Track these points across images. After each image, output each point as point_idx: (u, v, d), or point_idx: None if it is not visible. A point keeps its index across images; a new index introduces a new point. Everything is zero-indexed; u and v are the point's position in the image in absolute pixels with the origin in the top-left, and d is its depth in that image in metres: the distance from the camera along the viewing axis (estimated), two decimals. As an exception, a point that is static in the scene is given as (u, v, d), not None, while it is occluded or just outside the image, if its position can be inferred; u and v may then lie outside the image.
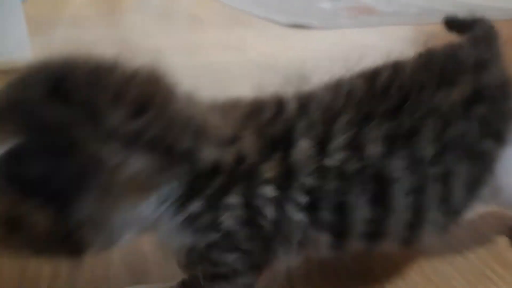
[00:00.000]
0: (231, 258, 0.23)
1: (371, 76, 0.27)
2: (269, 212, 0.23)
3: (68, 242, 0.21)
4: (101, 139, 0.20)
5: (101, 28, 1.10)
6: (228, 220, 0.22)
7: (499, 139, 0.28)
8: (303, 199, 0.23)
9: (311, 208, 0.24)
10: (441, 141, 0.25)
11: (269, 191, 0.23)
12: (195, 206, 0.22)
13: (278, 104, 0.26)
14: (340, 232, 0.25)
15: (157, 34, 1.06)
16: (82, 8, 1.34)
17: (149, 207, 0.22)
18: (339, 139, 0.24)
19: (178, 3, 1.53)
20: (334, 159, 0.24)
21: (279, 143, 0.24)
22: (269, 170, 0.23)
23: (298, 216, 0.23)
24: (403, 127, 0.25)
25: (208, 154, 0.22)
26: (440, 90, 0.26)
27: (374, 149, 0.24)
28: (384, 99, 0.26)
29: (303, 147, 0.24)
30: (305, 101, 0.26)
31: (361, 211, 0.24)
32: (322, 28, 1.03)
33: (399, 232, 0.26)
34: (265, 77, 0.70)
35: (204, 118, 0.23)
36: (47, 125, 0.20)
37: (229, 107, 0.26)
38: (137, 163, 0.21)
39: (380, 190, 0.24)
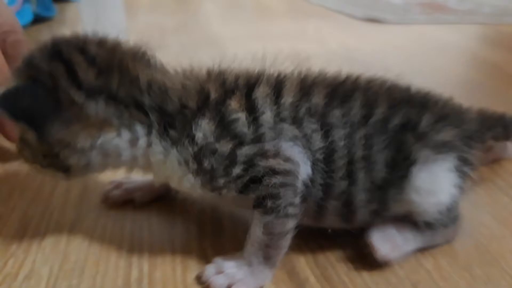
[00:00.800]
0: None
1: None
2: (241, 124, 0.29)
3: (54, 158, 0.29)
4: (74, 87, 0.28)
5: (178, 15, 1.14)
6: (201, 134, 0.29)
7: (419, 140, 0.30)
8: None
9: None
10: (368, 112, 0.30)
11: (234, 113, 0.29)
12: (173, 133, 0.29)
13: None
14: None
15: (232, 23, 1.08)
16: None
17: (116, 140, 0.29)
18: (292, 87, 0.31)
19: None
20: (288, 99, 0.30)
21: (240, 88, 0.30)
22: (233, 102, 0.29)
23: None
24: (343, 89, 0.31)
25: (173, 100, 0.29)
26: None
27: (318, 99, 0.30)
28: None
29: (262, 89, 0.30)
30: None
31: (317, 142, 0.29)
32: (396, 23, 1.01)
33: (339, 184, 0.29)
34: (349, 68, 0.71)
35: (170, 79, 0.30)
36: (41, 74, 0.28)
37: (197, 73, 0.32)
38: (96, 107, 0.28)
39: (323, 128, 0.29)
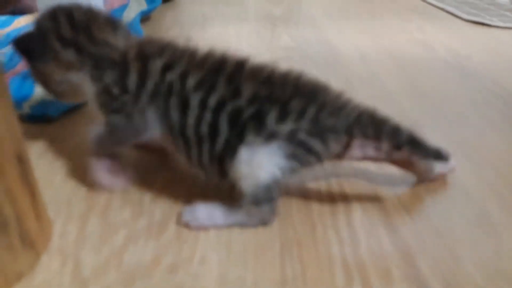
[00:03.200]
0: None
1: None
2: (130, 82, 0.38)
3: (47, 86, 0.42)
4: (56, 39, 0.39)
5: (283, 3, 1.15)
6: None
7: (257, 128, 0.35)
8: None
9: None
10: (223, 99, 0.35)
11: (131, 73, 0.38)
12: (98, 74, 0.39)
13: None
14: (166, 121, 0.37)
15: (334, 15, 1.07)
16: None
17: (76, 76, 0.40)
18: (177, 70, 0.37)
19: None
20: (171, 77, 0.36)
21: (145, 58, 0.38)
22: (135, 66, 0.38)
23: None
24: (207, 78, 0.36)
25: (110, 53, 0.39)
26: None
27: (190, 82, 0.36)
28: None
29: (157, 63, 0.37)
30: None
31: (174, 113, 0.36)
32: (504, 28, 0.95)
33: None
34: (461, 80, 0.70)
35: (118, 42, 0.40)
36: (40, 27, 0.40)
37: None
38: (66, 55, 0.39)
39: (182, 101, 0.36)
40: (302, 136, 0.35)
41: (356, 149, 0.39)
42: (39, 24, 0.40)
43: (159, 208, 0.38)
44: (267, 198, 0.35)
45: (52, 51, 0.39)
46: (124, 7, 0.90)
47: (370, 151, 0.39)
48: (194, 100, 0.36)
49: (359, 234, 0.36)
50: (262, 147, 0.35)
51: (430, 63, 0.75)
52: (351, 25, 0.96)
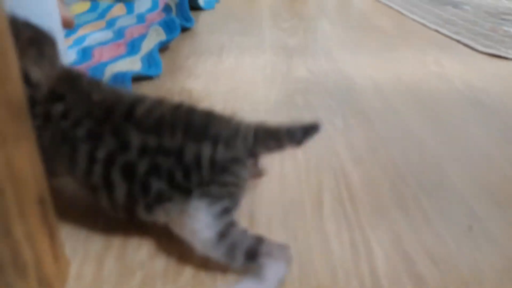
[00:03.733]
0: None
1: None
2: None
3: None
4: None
5: (298, 33, 1.16)
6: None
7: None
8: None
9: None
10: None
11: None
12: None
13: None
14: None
15: (349, 46, 1.07)
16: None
17: None
18: (71, 117, 0.35)
19: (358, 15, 1.52)
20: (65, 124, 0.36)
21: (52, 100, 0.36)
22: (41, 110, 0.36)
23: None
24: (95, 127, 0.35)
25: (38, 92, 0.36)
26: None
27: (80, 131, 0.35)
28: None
29: (58, 108, 0.36)
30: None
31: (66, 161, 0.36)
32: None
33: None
34: (476, 115, 0.69)
35: (33, 69, 0.36)
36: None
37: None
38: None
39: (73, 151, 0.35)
40: (212, 188, 0.34)
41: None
42: None
43: (176, 249, 0.38)
44: (240, 249, 0.33)
45: None
46: (143, 36, 0.92)
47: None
48: (82, 152, 0.34)
49: (383, 283, 0.35)
50: (187, 206, 0.34)
51: (447, 96, 0.74)
52: (367, 57, 0.96)
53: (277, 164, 0.51)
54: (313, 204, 0.45)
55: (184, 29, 1.05)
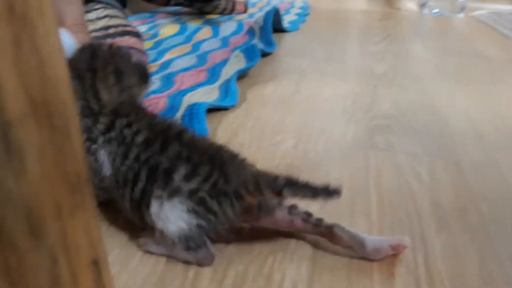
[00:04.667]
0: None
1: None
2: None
3: None
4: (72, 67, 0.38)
5: (387, 57, 1.09)
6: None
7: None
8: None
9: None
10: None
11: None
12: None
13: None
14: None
15: (445, 76, 0.97)
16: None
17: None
18: (133, 128, 0.42)
19: (458, 38, 1.38)
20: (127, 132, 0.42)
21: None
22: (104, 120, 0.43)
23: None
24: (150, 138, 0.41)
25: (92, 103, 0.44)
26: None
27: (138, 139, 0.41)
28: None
29: (122, 122, 0.42)
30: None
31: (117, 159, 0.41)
32: None
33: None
34: None
35: (105, 93, 0.44)
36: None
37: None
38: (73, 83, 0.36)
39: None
40: (202, 194, 0.37)
41: (266, 216, 0.41)
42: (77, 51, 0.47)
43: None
44: (191, 247, 0.38)
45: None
46: (224, 62, 0.92)
47: (283, 218, 0.41)
48: (133, 153, 0.40)
49: None
50: (167, 201, 0.38)
51: None
52: (466, 91, 0.85)
53: (346, 220, 0.46)
54: (382, 277, 0.39)
55: (266, 54, 1.04)
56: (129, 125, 0.42)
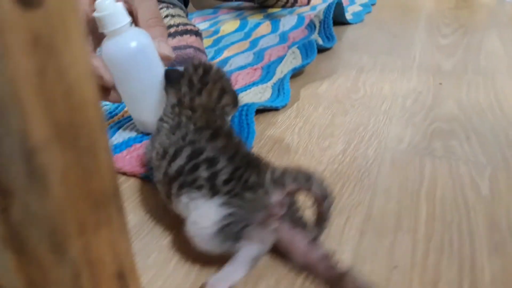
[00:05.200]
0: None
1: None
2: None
3: None
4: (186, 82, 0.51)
5: (457, 51, 1.00)
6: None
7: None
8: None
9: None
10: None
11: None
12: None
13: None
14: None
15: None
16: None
17: None
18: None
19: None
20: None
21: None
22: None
23: None
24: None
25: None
26: None
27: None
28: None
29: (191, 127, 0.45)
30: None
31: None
32: None
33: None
34: None
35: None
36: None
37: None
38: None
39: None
40: (236, 189, 0.37)
41: (286, 232, 0.38)
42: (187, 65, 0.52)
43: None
44: (227, 238, 0.37)
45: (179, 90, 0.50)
46: (280, 59, 0.90)
47: (300, 244, 0.38)
48: (180, 132, 0.43)
49: None
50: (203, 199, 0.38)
51: None
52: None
53: (388, 237, 0.43)
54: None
55: (325, 49, 1.00)
56: (199, 129, 0.44)
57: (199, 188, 0.38)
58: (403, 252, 0.41)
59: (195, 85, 0.50)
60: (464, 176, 0.53)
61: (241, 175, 0.38)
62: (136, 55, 0.53)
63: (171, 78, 0.52)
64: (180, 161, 0.40)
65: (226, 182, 0.38)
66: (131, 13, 0.58)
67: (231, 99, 0.52)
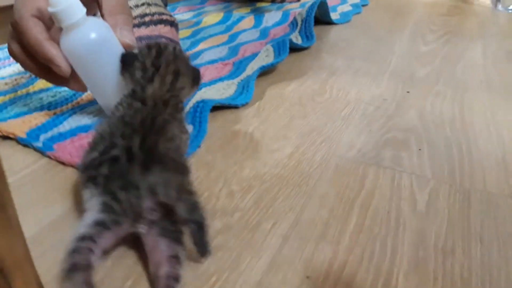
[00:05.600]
0: None
1: None
2: None
3: None
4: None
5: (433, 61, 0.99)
6: None
7: None
8: None
9: None
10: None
11: None
12: None
13: None
14: None
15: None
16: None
17: None
18: None
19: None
20: None
21: None
22: None
23: None
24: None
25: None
26: None
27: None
28: None
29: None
30: None
31: None
32: None
33: None
34: None
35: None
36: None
37: None
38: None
39: None
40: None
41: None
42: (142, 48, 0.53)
43: None
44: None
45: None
46: (253, 56, 0.90)
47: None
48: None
49: None
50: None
51: None
52: None
53: (310, 245, 0.43)
54: None
55: (304, 48, 0.99)
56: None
57: (97, 185, 0.37)
58: (321, 262, 0.41)
59: (148, 69, 0.50)
60: (404, 189, 0.52)
61: (123, 175, 0.37)
62: (95, 46, 0.52)
63: (126, 62, 0.52)
64: (94, 154, 0.40)
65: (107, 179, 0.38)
66: (96, 0, 0.58)
67: (187, 80, 0.51)
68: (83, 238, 0.34)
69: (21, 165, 0.52)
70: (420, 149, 0.61)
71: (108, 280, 0.38)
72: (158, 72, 0.49)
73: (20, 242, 0.32)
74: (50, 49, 0.52)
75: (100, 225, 0.35)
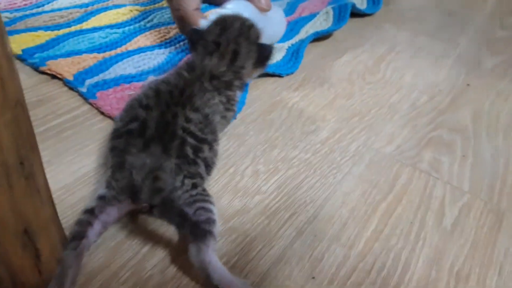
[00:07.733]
0: None
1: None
2: None
3: None
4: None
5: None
6: None
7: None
8: None
9: None
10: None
11: None
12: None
13: None
14: None
15: None
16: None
17: None
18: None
19: None
20: None
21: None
22: None
23: None
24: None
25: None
26: None
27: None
28: None
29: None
30: None
31: None
32: None
33: None
34: None
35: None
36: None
37: None
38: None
39: None
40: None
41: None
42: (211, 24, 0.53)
43: None
44: None
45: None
46: (311, 17, 0.84)
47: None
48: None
49: None
50: None
51: None
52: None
53: (323, 244, 0.42)
54: None
55: (368, 14, 0.92)
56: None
57: (113, 158, 0.40)
58: (329, 265, 0.41)
59: (208, 46, 0.50)
60: (435, 200, 0.49)
61: (123, 153, 0.38)
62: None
63: (193, 40, 0.52)
64: (119, 124, 0.42)
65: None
66: None
67: (248, 60, 0.52)
68: (86, 211, 0.37)
69: (64, 109, 0.54)
70: (463, 156, 0.57)
71: (127, 245, 0.40)
72: (218, 50, 0.50)
73: (48, 206, 0.34)
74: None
75: (102, 199, 0.37)
